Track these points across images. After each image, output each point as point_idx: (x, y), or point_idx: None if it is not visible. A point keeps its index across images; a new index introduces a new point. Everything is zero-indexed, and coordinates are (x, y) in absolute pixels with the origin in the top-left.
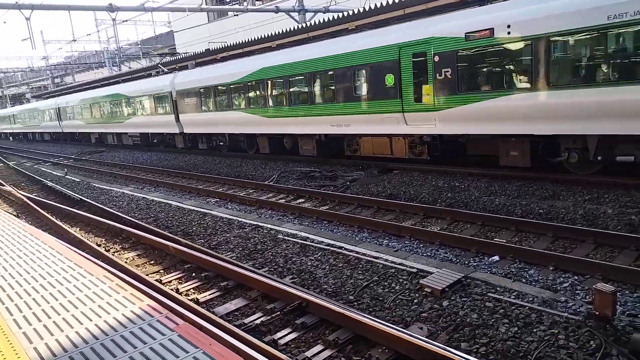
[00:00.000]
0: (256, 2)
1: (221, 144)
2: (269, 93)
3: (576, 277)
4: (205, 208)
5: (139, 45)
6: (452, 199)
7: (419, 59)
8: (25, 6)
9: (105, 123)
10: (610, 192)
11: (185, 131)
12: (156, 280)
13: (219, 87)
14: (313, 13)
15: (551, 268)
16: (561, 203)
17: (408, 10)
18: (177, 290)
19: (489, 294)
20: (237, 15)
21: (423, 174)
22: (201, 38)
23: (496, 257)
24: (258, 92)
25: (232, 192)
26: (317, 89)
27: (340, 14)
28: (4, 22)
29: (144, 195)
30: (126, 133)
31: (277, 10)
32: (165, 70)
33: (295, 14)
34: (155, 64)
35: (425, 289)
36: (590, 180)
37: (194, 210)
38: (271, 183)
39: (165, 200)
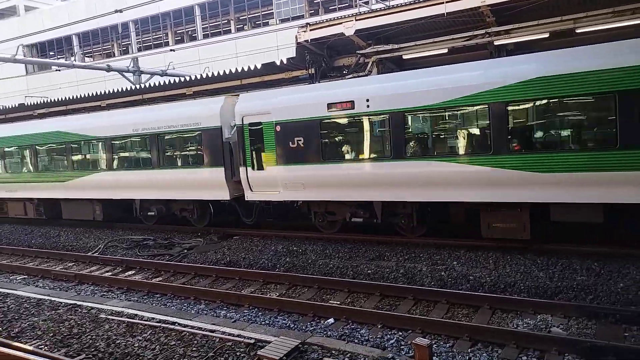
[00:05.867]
0: (86, 59)
1: None
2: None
3: (400, 333)
4: (6, 287)
5: None
6: (291, 263)
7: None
8: None
9: None
10: (424, 251)
11: None
12: None
13: None
14: (149, 75)
15: (379, 326)
16: (386, 263)
17: (245, 81)
18: None
19: (324, 359)
20: (59, 70)
21: (263, 239)
22: (17, 91)
23: (331, 320)
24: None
25: (46, 267)
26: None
27: (177, 79)
28: None
29: None
30: None
31: (109, 69)
32: None
33: (129, 75)
34: None
35: None
36: (412, 241)
37: None
38: (96, 254)
39: None
